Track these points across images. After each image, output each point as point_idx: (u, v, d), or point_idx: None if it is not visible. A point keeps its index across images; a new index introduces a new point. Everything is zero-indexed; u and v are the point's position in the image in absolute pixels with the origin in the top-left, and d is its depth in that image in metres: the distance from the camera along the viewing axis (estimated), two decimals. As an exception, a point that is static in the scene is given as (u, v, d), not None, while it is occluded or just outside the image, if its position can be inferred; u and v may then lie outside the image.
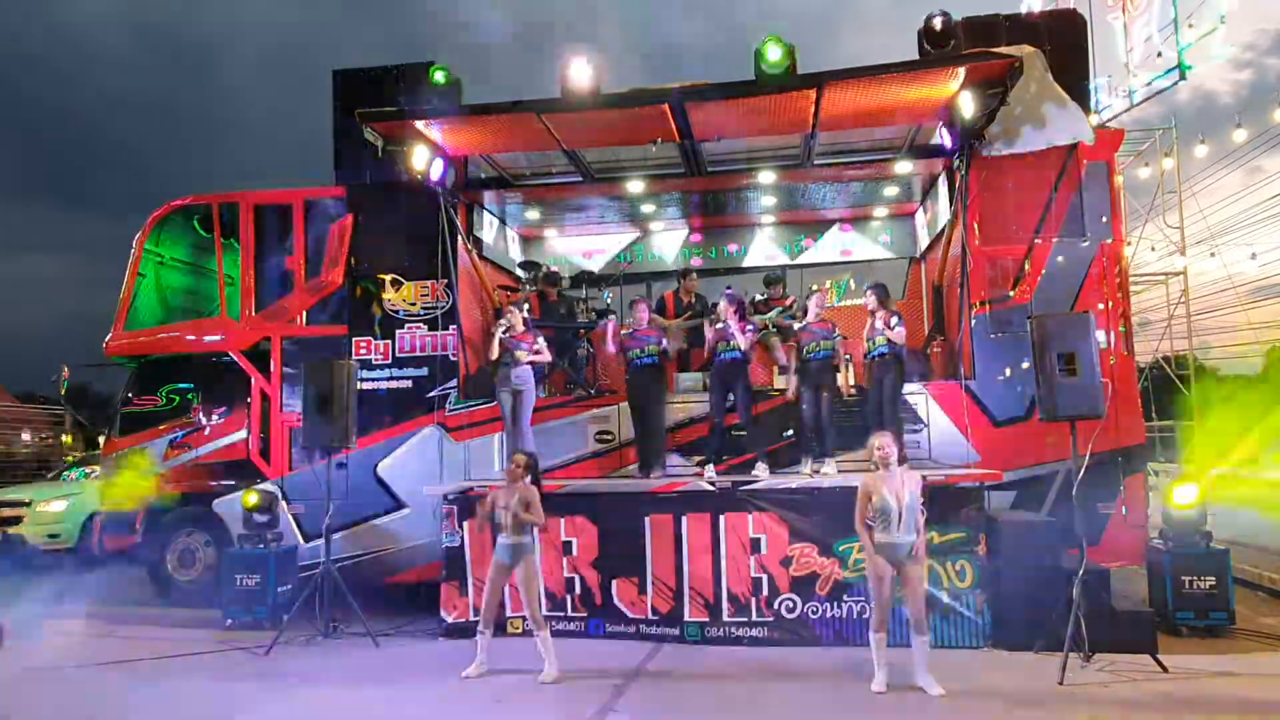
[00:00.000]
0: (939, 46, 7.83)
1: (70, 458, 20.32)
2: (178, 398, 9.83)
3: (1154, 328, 13.47)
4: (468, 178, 9.69)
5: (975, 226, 8.29)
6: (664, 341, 8.38)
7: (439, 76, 8.64)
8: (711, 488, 7.46)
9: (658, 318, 9.15)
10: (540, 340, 8.25)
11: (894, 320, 7.80)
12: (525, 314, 8.47)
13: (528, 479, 6.46)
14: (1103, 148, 8.34)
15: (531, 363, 8.16)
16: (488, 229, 10.56)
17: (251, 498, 8.46)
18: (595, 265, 11.62)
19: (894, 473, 5.84)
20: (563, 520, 7.45)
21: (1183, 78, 12.22)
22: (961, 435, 8.03)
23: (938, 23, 7.81)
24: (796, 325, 8.37)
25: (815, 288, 10.09)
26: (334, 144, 9.46)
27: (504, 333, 8.07)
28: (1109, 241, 8.15)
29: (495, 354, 8.04)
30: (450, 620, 7.57)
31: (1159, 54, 12.79)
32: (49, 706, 5.95)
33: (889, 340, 7.77)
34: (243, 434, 9.48)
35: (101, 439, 11.37)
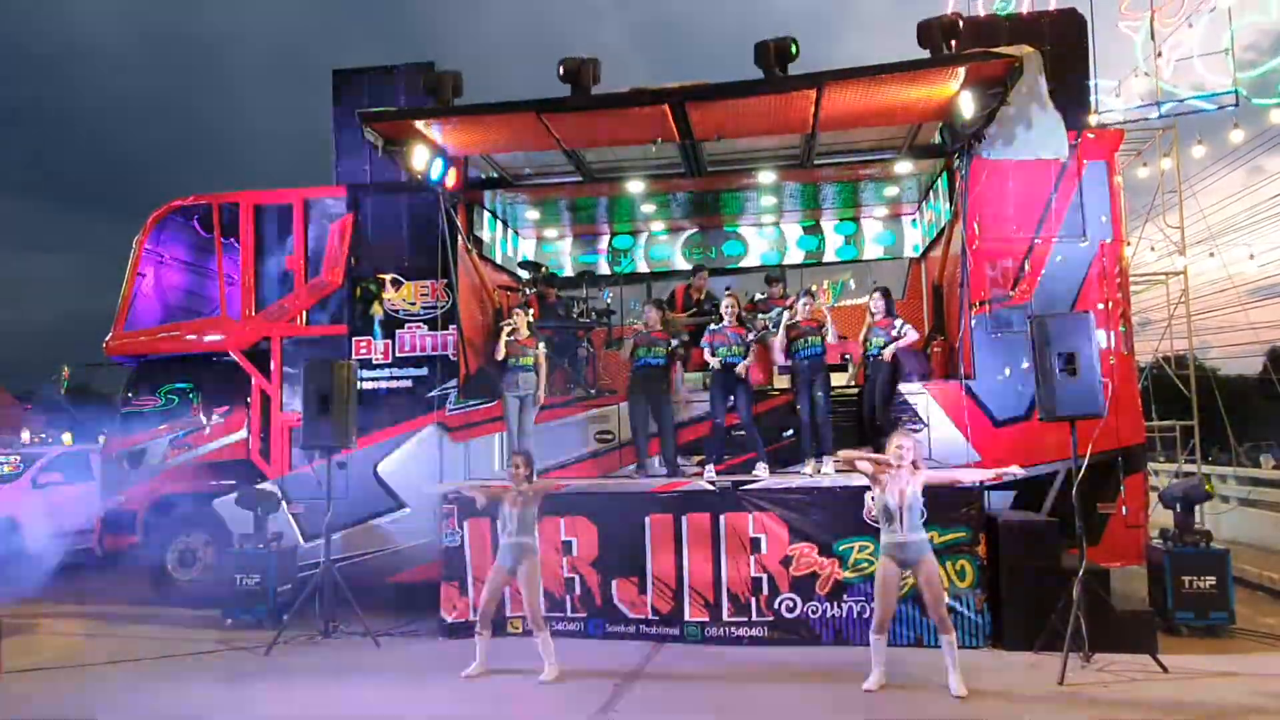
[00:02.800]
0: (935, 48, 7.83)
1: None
2: (177, 398, 9.85)
3: (1154, 328, 13.46)
4: (468, 178, 9.69)
5: (975, 226, 8.29)
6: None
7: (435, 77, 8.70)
8: (711, 488, 7.46)
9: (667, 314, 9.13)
10: (540, 346, 8.27)
11: (904, 326, 7.90)
12: (529, 318, 8.47)
13: (530, 480, 6.48)
14: (1103, 148, 8.34)
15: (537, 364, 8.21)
16: (488, 229, 10.57)
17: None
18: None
19: (903, 473, 5.84)
20: (563, 520, 7.44)
21: (1236, 104, 12.18)
22: (961, 435, 8.03)
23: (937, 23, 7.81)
24: (785, 324, 8.39)
25: (814, 288, 10.09)
26: (334, 144, 9.47)
27: (509, 335, 8.08)
28: (1109, 241, 8.15)
29: (501, 355, 8.06)
30: (450, 620, 7.57)
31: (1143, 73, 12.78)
32: (49, 706, 5.95)
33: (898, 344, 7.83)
34: (243, 434, 9.49)
35: (101, 438, 11.33)
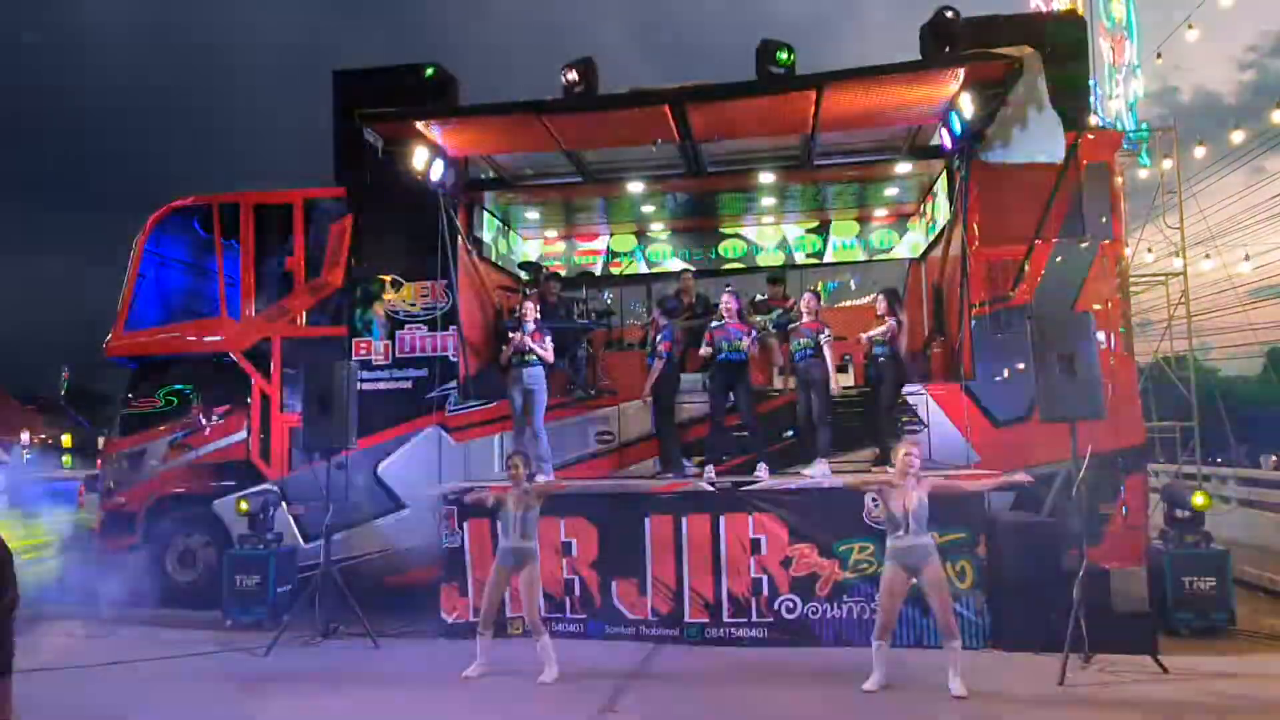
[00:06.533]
0: (943, 43, 7.84)
1: None
2: (177, 398, 9.84)
3: (1154, 328, 13.47)
4: (468, 178, 9.68)
5: (975, 227, 8.29)
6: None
7: (428, 72, 8.73)
8: (711, 488, 7.45)
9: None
10: (548, 340, 8.26)
11: (889, 321, 7.91)
12: (536, 314, 8.47)
13: (530, 480, 6.48)
14: (1103, 148, 8.35)
15: (544, 360, 8.18)
16: (488, 229, 10.57)
17: (243, 504, 8.47)
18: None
19: (909, 482, 5.83)
20: (562, 521, 7.43)
21: (1146, 150, 13.71)
22: (961, 436, 8.03)
23: (947, 15, 7.83)
24: (790, 326, 8.42)
25: (812, 288, 10.10)
26: (334, 144, 9.46)
27: (513, 332, 8.09)
28: (1109, 242, 8.15)
29: (506, 358, 8.06)
30: (450, 621, 7.56)
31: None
32: (48, 706, 5.94)
33: (883, 340, 7.88)
34: (242, 434, 9.48)
35: (101, 440, 11.33)
